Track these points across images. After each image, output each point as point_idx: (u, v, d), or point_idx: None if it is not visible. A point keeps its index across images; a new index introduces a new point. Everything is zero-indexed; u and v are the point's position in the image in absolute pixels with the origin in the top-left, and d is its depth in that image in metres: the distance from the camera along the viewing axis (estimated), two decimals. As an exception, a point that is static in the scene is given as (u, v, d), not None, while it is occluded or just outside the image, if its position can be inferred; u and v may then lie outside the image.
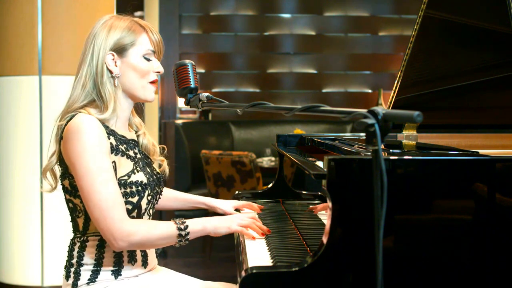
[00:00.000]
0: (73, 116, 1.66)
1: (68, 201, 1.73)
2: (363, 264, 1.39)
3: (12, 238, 3.73)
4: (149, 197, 1.74)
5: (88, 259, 1.70)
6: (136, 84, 1.74)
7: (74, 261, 1.71)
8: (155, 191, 1.78)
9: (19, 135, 3.69)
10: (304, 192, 2.37)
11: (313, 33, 6.48)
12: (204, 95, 1.78)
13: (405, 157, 1.45)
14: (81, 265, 1.70)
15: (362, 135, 2.38)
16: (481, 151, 1.56)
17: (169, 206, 2.11)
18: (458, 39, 2.29)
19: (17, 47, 3.67)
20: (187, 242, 1.65)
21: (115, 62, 1.72)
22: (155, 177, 1.79)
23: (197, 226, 1.66)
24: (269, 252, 1.64)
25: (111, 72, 1.72)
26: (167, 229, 1.63)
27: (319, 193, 2.31)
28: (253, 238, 1.74)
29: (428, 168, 1.44)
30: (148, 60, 1.74)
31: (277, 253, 1.60)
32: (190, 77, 1.79)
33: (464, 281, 1.43)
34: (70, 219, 1.76)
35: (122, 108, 1.76)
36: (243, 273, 1.41)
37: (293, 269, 1.38)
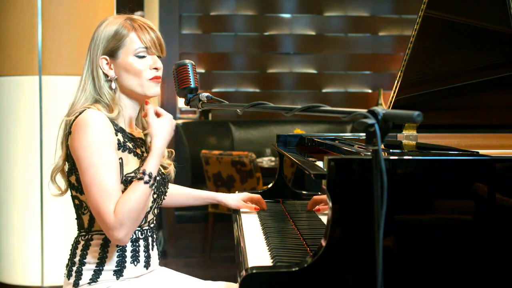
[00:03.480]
0: (82, 111, 1.68)
1: (74, 198, 1.75)
2: (363, 264, 1.39)
3: (12, 238, 3.73)
4: (154, 196, 1.75)
5: (91, 258, 1.70)
6: (133, 84, 1.74)
7: (76, 259, 1.72)
8: (160, 190, 1.79)
9: (19, 135, 3.69)
10: (304, 192, 2.37)
11: (313, 33, 6.48)
12: (204, 95, 1.78)
13: (405, 157, 1.45)
14: (84, 264, 1.70)
15: (362, 135, 2.38)
16: (481, 151, 1.56)
17: (180, 202, 2.12)
18: (458, 39, 2.29)
19: (17, 47, 3.67)
20: (158, 179, 1.70)
21: (110, 65, 1.74)
22: (160, 177, 1.80)
23: (153, 160, 1.66)
24: (269, 252, 1.65)
25: (106, 75, 1.74)
26: (138, 190, 1.61)
27: (319, 193, 2.31)
28: None
29: (428, 168, 1.44)
30: (141, 57, 1.74)
31: (277, 253, 1.60)
32: (190, 77, 1.79)
33: (464, 281, 1.43)
34: (76, 217, 1.77)
35: (127, 107, 1.78)
36: (243, 273, 1.41)
37: (293, 269, 1.38)
